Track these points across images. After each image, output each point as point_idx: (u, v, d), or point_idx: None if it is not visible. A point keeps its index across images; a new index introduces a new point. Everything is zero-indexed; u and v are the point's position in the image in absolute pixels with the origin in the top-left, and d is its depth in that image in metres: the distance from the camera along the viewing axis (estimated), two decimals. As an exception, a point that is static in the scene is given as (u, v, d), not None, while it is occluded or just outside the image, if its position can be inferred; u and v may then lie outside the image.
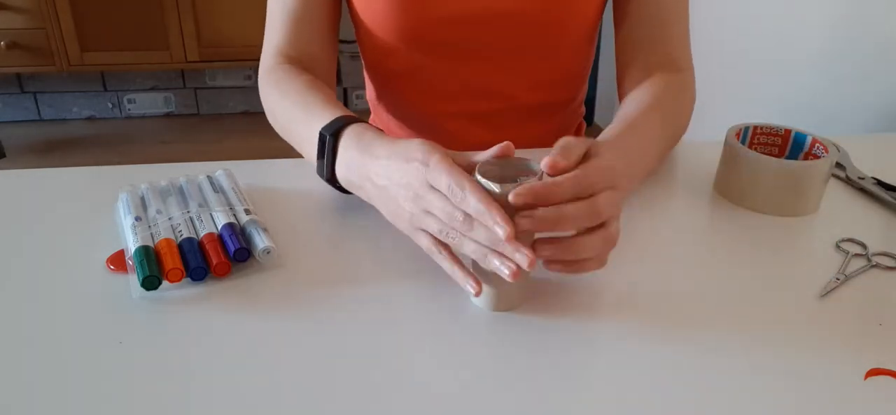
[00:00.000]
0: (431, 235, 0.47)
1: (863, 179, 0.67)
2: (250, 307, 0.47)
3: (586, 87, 0.85)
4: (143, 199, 0.57)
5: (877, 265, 0.53)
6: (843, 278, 0.52)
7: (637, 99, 0.64)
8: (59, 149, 2.54)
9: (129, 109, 2.80)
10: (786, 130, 0.65)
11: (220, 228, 0.53)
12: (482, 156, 0.47)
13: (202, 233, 0.52)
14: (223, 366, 0.42)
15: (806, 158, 0.64)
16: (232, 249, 0.50)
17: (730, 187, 0.63)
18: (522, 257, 0.42)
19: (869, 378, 0.42)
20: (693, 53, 0.73)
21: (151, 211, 0.55)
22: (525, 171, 0.46)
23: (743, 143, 0.66)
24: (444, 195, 0.44)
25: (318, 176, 0.57)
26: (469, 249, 0.44)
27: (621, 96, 0.72)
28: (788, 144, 0.65)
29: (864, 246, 0.56)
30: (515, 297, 0.47)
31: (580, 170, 0.45)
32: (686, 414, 0.39)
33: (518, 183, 0.43)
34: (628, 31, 0.72)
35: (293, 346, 0.43)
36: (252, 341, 0.44)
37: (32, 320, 0.45)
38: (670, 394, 0.40)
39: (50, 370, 0.41)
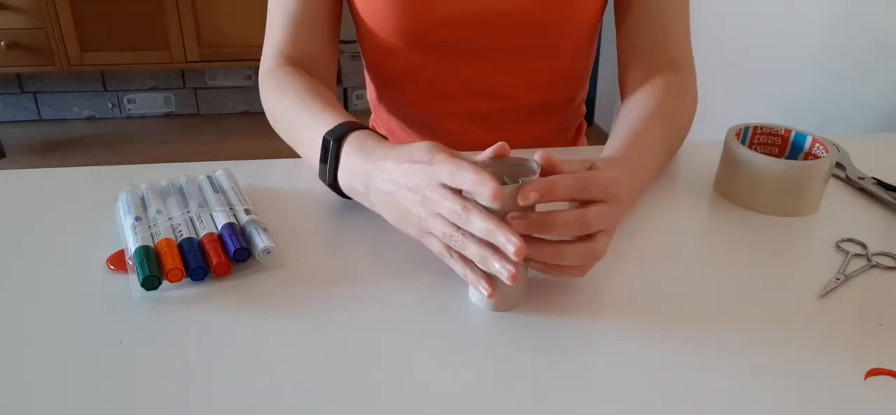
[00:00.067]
0: (440, 240, 0.46)
1: (863, 179, 0.67)
2: (250, 307, 0.47)
3: (586, 87, 0.85)
4: (143, 199, 0.57)
5: (877, 265, 0.53)
6: (843, 278, 0.52)
7: (639, 106, 0.64)
8: (59, 149, 2.54)
9: (129, 109, 2.80)
10: (786, 130, 0.65)
11: (220, 228, 0.53)
12: (481, 156, 0.47)
13: (202, 233, 0.52)
14: (223, 366, 0.42)
15: (806, 158, 0.64)
16: (232, 249, 0.50)
17: (730, 187, 0.63)
18: (512, 246, 0.42)
19: (869, 378, 0.42)
20: (693, 51, 0.73)
21: (151, 211, 0.55)
22: (524, 170, 0.47)
23: (743, 143, 0.66)
24: (451, 192, 0.44)
25: (317, 178, 0.57)
26: (470, 251, 0.44)
27: (623, 97, 0.72)
28: (788, 144, 0.65)
29: (864, 246, 0.56)
30: (514, 297, 0.47)
31: (580, 175, 0.46)
32: (686, 414, 0.39)
33: (520, 183, 0.44)
34: (629, 32, 0.72)
35: (293, 346, 0.43)
36: (252, 341, 0.44)
37: (32, 320, 0.45)
38: (670, 394, 0.40)
39: (50, 370, 0.41)
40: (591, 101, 2.77)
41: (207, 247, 0.50)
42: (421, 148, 0.48)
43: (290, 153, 0.66)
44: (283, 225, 0.57)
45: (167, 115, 2.84)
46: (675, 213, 0.61)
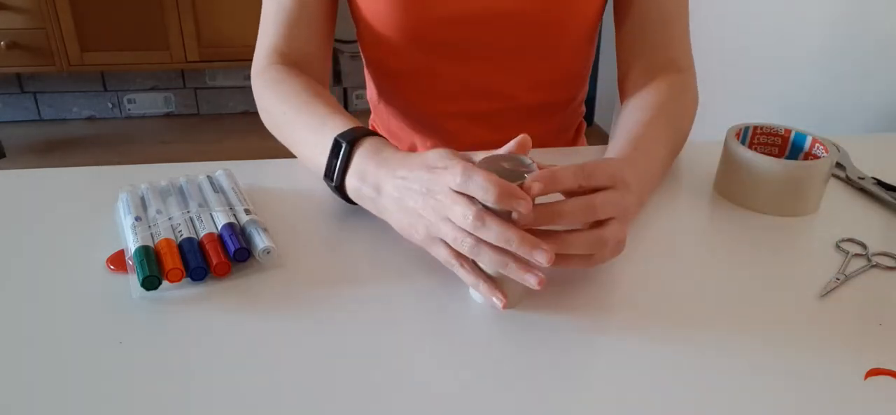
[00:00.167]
0: (449, 247, 0.46)
1: (863, 179, 0.67)
2: (250, 307, 0.47)
3: (586, 87, 0.85)
4: (143, 199, 0.57)
5: (877, 265, 0.53)
6: (843, 278, 0.52)
7: (640, 108, 0.64)
8: (59, 149, 2.54)
9: (129, 109, 2.80)
10: (786, 130, 0.65)
11: (220, 228, 0.53)
12: (479, 156, 0.48)
13: (202, 233, 0.52)
14: (223, 366, 0.42)
15: (806, 158, 0.64)
16: (232, 249, 0.50)
17: (730, 187, 0.63)
18: (542, 256, 0.42)
19: (869, 378, 0.42)
20: (693, 51, 0.73)
21: (151, 211, 0.55)
22: (525, 168, 0.47)
23: (743, 143, 0.66)
24: (464, 198, 0.44)
25: (317, 177, 0.57)
26: (487, 259, 0.44)
27: (623, 98, 0.72)
28: (788, 144, 0.65)
29: (864, 246, 0.56)
30: (517, 295, 0.47)
31: (583, 163, 0.46)
32: (686, 414, 0.39)
33: (525, 179, 0.44)
34: (629, 33, 0.72)
35: (293, 346, 0.43)
36: (252, 341, 0.44)
37: (32, 320, 0.45)
38: (670, 394, 0.40)
39: (50, 370, 0.41)
40: (590, 101, 2.77)
41: (207, 247, 0.50)
42: (436, 154, 0.48)
43: (290, 153, 0.66)
44: (283, 225, 0.57)
45: (167, 115, 2.84)
46: (675, 213, 0.61)
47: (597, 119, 2.79)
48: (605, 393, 0.40)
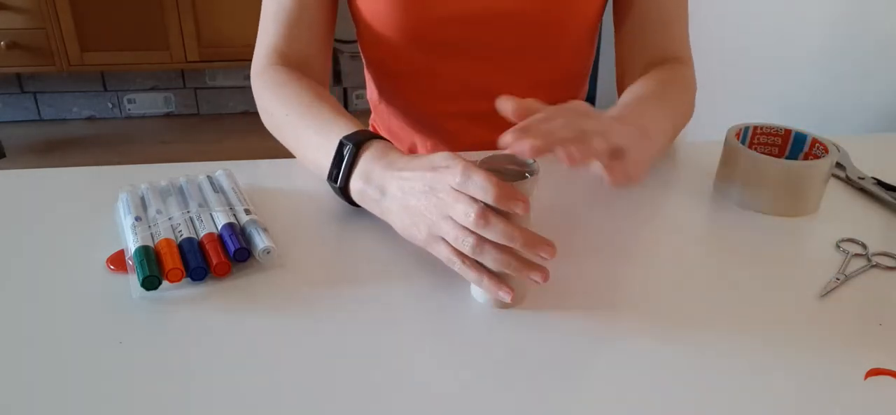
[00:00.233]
0: (450, 245, 0.46)
1: (863, 179, 0.67)
2: (250, 307, 0.47)
3: (586, 87, 0.85)
4: (143, 199, 0.57)
5: (877, 265, 0.53)
6: (843, 278, 0.52)
7: (637, 87, 0.64)
8: (59, 149, 2.54)
9: (129, 109, 2.80)
10: (786, 130, 0.65)
11: (220, 228, 0.53)
12: (481, 158, 0.48)
13: (202, 233, 0.52)
14: (223, 366, 0.42)
15: (806, 158, 0.64)
16: (232, 249, 0.50)
17: (730, 187, 0.63)
18: (545, 254, 0.44)
19: (869, 378, 0.42)
20: (693, 51, 0.73)
21: (151, 211, 0.55)
22: (527, 168, 0.47)
23: (743, 143, 0.66)
24: (466, 196, 0.44)
25: (318, 178, 0.57)
26: (491, 258, 0.44)
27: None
28: (788, 144, 0.65)
29: (864, 246, 0.56)
30: (518, 291, 0.47)
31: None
32: (686, 414, 0.39)
33: (526, 179, 0.44)
34: (629, 33, 0.72)
35: (293, 346, 0.43)
36: (252, 341, 0.44)
37: (32, 320, 0.45)
38: (670, 394, 0.40)
39: (50, 370, 0.41)
40: (590, 101, 2.76)
41: (207, 247, 0.50)
42: (441, 155, 0.48)
43: (291, 154, 0.66)
44: (283, 225, 0.57)
45: (167, 115, 2.84)
46: (675, 213, 0.61)
47: (597, 119, 2.78)
48: (605, 393, 0.40)
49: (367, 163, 0.53)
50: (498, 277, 0.46)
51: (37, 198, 0.61)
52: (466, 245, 0.44)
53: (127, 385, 0.40)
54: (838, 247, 0.56)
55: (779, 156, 0.66)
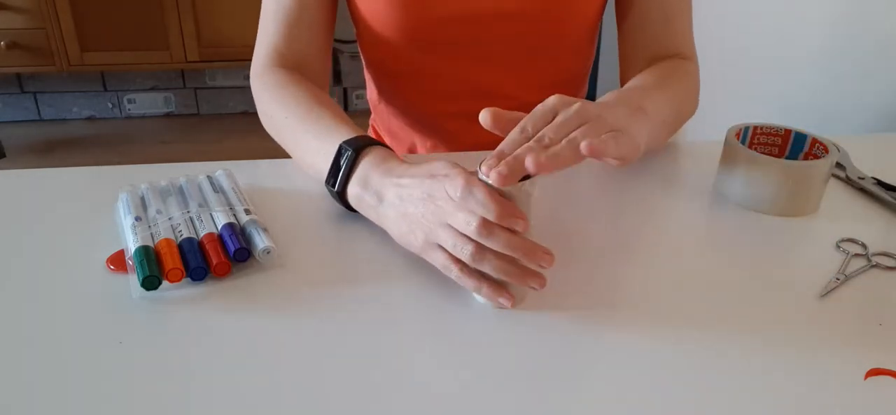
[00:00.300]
0: (447, 252, 0.46)
1: (863, 179, 0.67)
2: (250, 307, 0.47)
3: (586, 87, 0.85)
4: (143, 199, 0.57)
5: (877, 265, 0.53)
6: (843, 278, 0.52)
7: (638, 79, 0.64)
8: (59, 149, 2.54)
9: (129, 109, 2.80)
10: (786, 130, 0.65)
11: (220, 228, 0.53)
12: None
13: (202, 233, 0.52)
14: (223, 366, 0.42)
15: (806, 158, 0.64)
16: (232, 249, 0.50)
17: (730, 187, 0.63)
18: (546, 263, 0.44)
19: (869, 378, 0.42)
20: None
21: (151, 211, 0.55)
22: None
23: (743, 143, 0.66)
24: (466, 205, 0.44)
25: (317, 181, 0.57)
26: (491, 267, 0.44)
27: None
28: (788, 144, 0.65)
29: (864, 246, 0.56)
30: (518, 294, 0.47)
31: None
32: (686, 414, 0.39)
33: (525, 183, 0.44)
34: (631, 31, 0.72)
35: (293, 346, 0.43)
36: (252, 341, 0.44)
37: (32, 320, 0.45)
38: (670, 394, 0.40)
39: (50, 370, 0.41)
40: (590, 100, 2.77)
41: (207, 247, 0.50)
42: (440, 163, 0.48)
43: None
44: (283, 225, 0.57)
45: (167, 115, 2.84)
46: (675, 213, 0.61)
47: (597, 119, 2.78)
48: (605, 393, 0.40)
49: (366, 169, 0.53)
50: (497, 284, 0.46)
51: (37, 198, 0.61)
52: (465, 253, 0.44)
53: (127, 385, 0.40)
54: (838, 247, 0.56)
55: (779, 156, 0.66)
